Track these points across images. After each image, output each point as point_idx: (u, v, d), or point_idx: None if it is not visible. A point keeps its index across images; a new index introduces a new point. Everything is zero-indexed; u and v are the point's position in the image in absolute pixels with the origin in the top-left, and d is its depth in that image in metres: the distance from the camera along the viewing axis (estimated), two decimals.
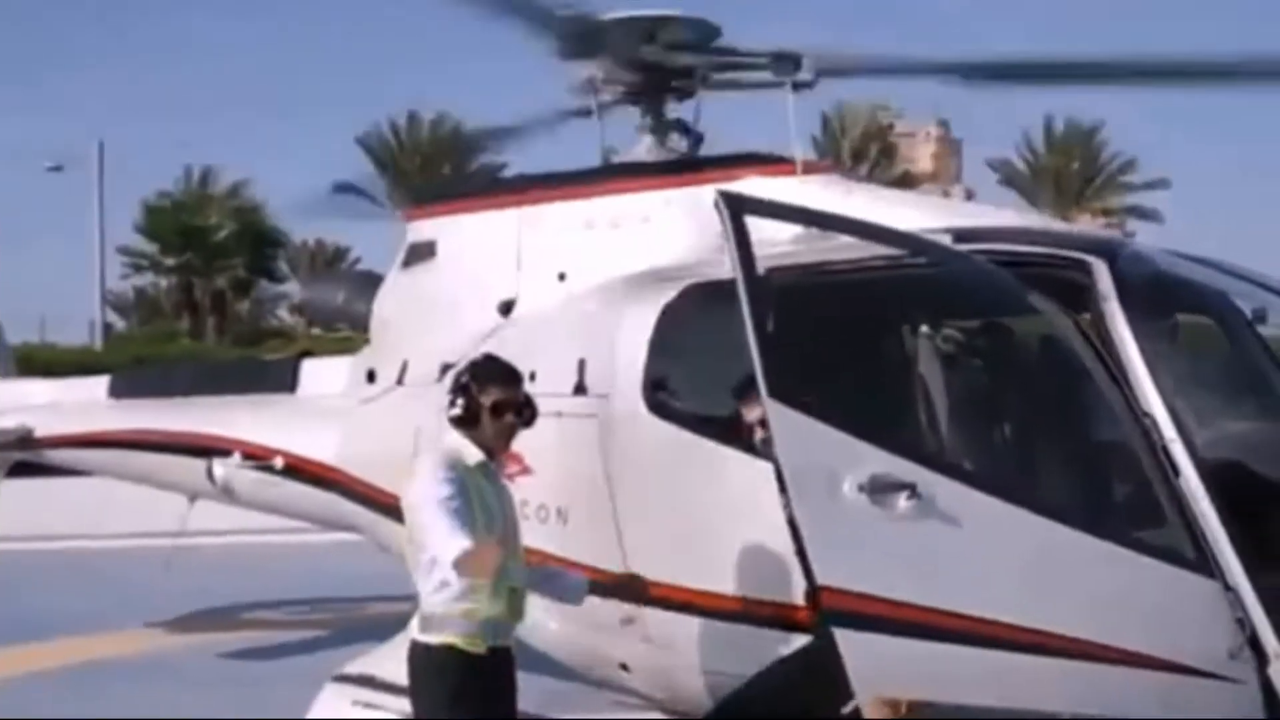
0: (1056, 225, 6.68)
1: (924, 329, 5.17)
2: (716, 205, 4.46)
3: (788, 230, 5.42)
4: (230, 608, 12.26)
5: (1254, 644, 4.44)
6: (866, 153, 48.46)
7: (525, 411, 4.80)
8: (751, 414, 4.75)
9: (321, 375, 8.37)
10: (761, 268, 5.23)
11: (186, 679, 9.39)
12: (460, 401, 4.71)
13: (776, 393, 4.17)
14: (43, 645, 10.71)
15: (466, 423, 4.72)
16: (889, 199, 6.19)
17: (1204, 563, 4.42)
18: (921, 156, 79.73)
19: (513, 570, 4.73)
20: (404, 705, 4.95)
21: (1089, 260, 4.95)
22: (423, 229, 7.60)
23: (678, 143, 7.15)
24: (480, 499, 4.65)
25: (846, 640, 4.17)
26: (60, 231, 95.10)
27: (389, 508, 6.04)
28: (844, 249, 5.21)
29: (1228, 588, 4.41)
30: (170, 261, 37.90)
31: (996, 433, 5.06)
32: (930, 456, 4.38)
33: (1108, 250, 5.07)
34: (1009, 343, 5.10)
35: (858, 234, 4.99)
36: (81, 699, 8.85)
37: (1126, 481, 4.76)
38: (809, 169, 6.21)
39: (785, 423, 4.15)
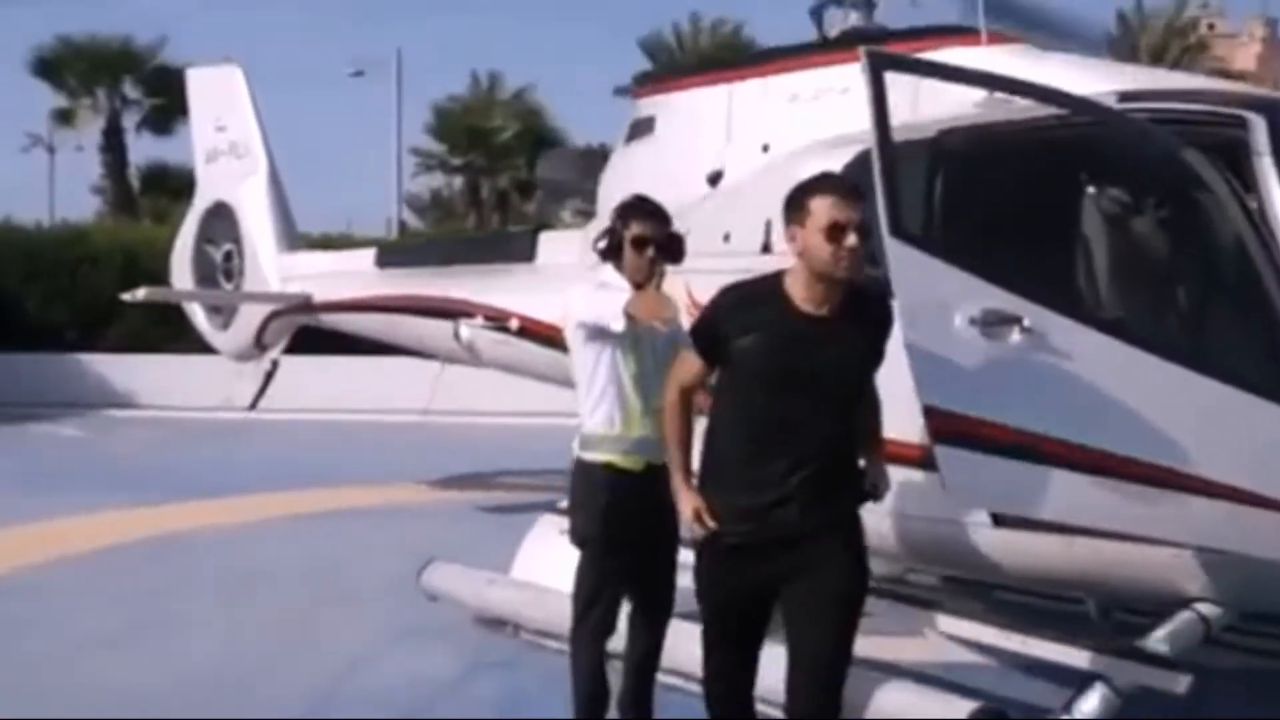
0: (1225, 85, 6.56)
1: (1064, 182, 5.26)
2: (861, 64, 4.73)
3: (975, 95, 5.63)
4: (493, 473, 13.37)
5: None
6: (1167, 50, 45.63)
7: (670, 247, 5.01)
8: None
9: (557, 246, 9.05)
10: (935, 130, 5.56)
11: (441, 520, 10.48)
12: (606, 235, 5.02)
13: (896, 231, 4.44)
14: (331, 490, 12.19)
15: (611, 255, 4.99)
16: (1071, 64, 6.25)
17: None
18: (1242, 58, 74.60)
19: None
20: None
21: (1246, 116, 4.94)
22: (644, 106, 8.11)
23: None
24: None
25: (947, 457, 4.36)
26: (362, 133, 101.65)
27: None
28: (1016, 111, 5.39)
29: None
30: (457, 161, 39.75)
31: (1120, 277, 5.07)
32: (1045, 296, 4.44)
33: (1267, 107, 5.04)
34: (1148, 196, 5.12)
35: (1003, 89, 5.15)
36: (356, 534, 10.14)
37: (1258, 332, 4.74)
38: (994, 39, 6.36)
39: (902, 259, 4.38)
